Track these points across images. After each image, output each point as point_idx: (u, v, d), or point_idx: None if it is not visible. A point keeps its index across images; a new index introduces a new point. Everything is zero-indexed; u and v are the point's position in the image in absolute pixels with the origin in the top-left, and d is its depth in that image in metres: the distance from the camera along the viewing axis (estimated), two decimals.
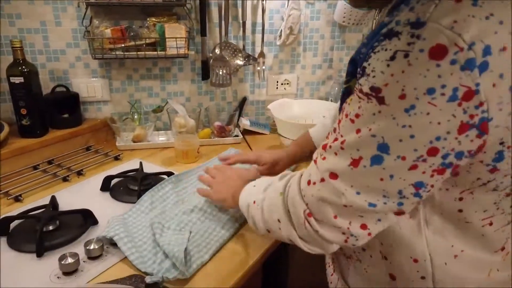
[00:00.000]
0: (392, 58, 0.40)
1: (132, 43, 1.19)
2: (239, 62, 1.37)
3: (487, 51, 0.37)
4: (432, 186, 0.44)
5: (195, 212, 0.86)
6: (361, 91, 0.44)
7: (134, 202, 0.90)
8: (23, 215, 0.85)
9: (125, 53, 1.20)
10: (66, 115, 1.23)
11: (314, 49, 1.46)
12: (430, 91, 0.38)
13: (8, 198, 0.94)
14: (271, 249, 0.81)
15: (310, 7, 1.38)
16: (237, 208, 0.73)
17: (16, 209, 0.89)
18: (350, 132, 0.45)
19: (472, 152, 0.42)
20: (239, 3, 1.31)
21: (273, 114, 1.25)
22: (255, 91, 1.47)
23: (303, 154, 0.95)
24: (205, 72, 1.34)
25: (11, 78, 1.08)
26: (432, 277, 0.53)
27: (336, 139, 0.47)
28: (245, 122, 1.41)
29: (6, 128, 1.11)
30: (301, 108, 1.35)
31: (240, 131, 1.40)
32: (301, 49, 1.45)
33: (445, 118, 0.39)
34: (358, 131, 0.44)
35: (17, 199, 0.94)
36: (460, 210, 0.50)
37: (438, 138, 0.40)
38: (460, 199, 0.49)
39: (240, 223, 0.85)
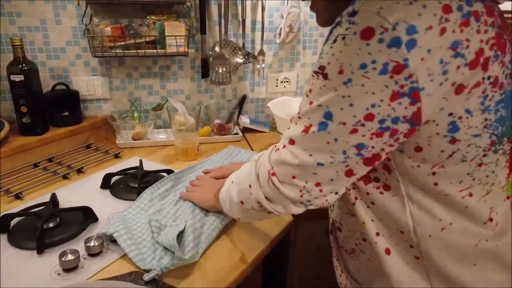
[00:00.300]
0: (334, 41, 0.47)
1: (132, 41, 1.20)
2: (239, 60, 1.37)
3: (411, 30, 0.43)
4: (373, 147, 0.50)
5: (191, 208, 0.86)
6: (314, 71, 0.52)
7: (134, 200, 0.91)
8: (23, 212, 0.85)
9: (125, 51, 1.20)
10: (66, 113, 1.24)
11: (314, 47, 1.46)
12: (363, 66, 0.45)
13: (9, 195, 0.94)
14: (270, 246, 0.82)
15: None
16: (219, 207, 0.75)
17: (17, 207, 0.90)
18: (305, 105, 0.53)
19: (408, 117, 0.47)
20: (239, 1, 1.31)
21: (273, 112, 1.25)
22: (254, 89, 1.47)
23: None
24: (205, 70, 1.34)
25: (11, 76, 1.08)
26: (418, 246, 0.57)
27: (298, 112, 0.56)
28: (244, 120, 1.41)
29: (7, 126, 1.12)
30: None
31: (240, 129, 1.40)
32: (301, 47, 1.45)
33: (378, 89, 0.46)
34: (310, 103, 0.52)
35: (18, 196, 0.94)
36: (436, 184, 0.54)
37: (373, 106, 0.47)
38: (433, 173, 0.53)
39: None
